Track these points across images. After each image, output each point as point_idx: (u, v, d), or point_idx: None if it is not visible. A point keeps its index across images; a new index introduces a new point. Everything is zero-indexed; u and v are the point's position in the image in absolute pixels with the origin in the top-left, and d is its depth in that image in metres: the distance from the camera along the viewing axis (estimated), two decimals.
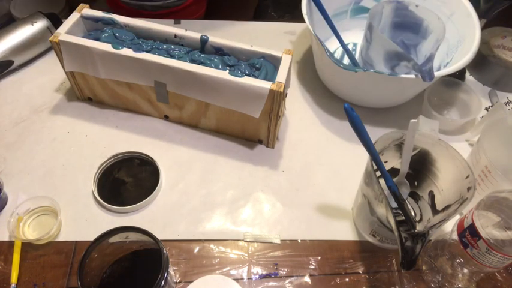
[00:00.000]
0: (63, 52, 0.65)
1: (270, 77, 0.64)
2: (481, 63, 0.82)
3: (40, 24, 0.78)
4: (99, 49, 0.63)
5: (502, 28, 0.86)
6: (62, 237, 0.59)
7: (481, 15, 0.74)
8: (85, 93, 0.74)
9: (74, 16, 0.68)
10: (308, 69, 0.84)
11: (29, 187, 0.63)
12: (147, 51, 0.64)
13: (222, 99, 0.63)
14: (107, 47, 0.63)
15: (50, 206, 0.60)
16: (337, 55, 0.84)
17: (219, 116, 0.68)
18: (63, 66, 0.68)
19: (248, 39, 0.86)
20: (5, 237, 0.58)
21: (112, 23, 0.69)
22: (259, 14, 1.22)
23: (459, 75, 0.81)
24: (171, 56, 0.66)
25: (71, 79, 0.71)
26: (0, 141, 0.68)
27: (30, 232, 0.59)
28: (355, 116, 0.48)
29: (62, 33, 0.65)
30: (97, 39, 0.66)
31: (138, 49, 0.64)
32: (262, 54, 0.66)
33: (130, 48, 0.63)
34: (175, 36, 0.68)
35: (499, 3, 0.76)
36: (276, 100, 0.61)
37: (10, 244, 0.57)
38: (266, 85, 0.60)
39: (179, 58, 0.65)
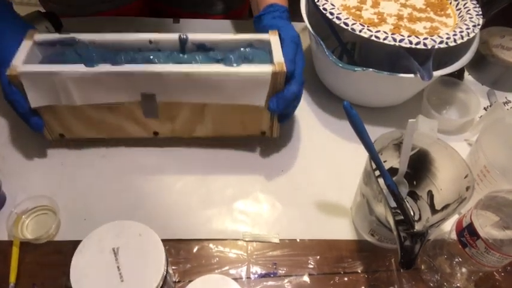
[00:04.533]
0: (26, 87, 0.56)
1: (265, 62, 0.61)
2: (480, 62, 0.82)
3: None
4: (71, 71, 0.55)
5: (500, 28, 0.87)
6: (60, 237, 0.59)
7: None
8: (55, 129, 0.65)
9: (26, 44, 0.59)
10: (307, 69, 0.82)
11: (28, 186, 0.63)
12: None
13: (222, 95, 0.60)
14: (79, 67, 0.56)
15: (48, 205, 0.60)
16: (336, 55, 0.84)
17: (216, 116, 0.64)
18: (28, 103, 0.58)
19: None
20: (4, 237, 0.58)
21: (74, 43, 0.61)
22: None
23: (458, 74, 0.81)
24: (152, 64, 0.60)
25: None
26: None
27: (29, 231, 0.59)
28: (354, 114, 0.48)
29: (19, 64, 0.56)
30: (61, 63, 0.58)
31: (115, 62, 0.57)
32: (249, 41, 0.62)
33: (105, 63, 0.57)
34: (151, 42, 0.61)
35: (498, 3, 0.76)
36: (278, 82, 0.58)
37: (9, 243, 0.57)
38: (267, 69, 0.57)
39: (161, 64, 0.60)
